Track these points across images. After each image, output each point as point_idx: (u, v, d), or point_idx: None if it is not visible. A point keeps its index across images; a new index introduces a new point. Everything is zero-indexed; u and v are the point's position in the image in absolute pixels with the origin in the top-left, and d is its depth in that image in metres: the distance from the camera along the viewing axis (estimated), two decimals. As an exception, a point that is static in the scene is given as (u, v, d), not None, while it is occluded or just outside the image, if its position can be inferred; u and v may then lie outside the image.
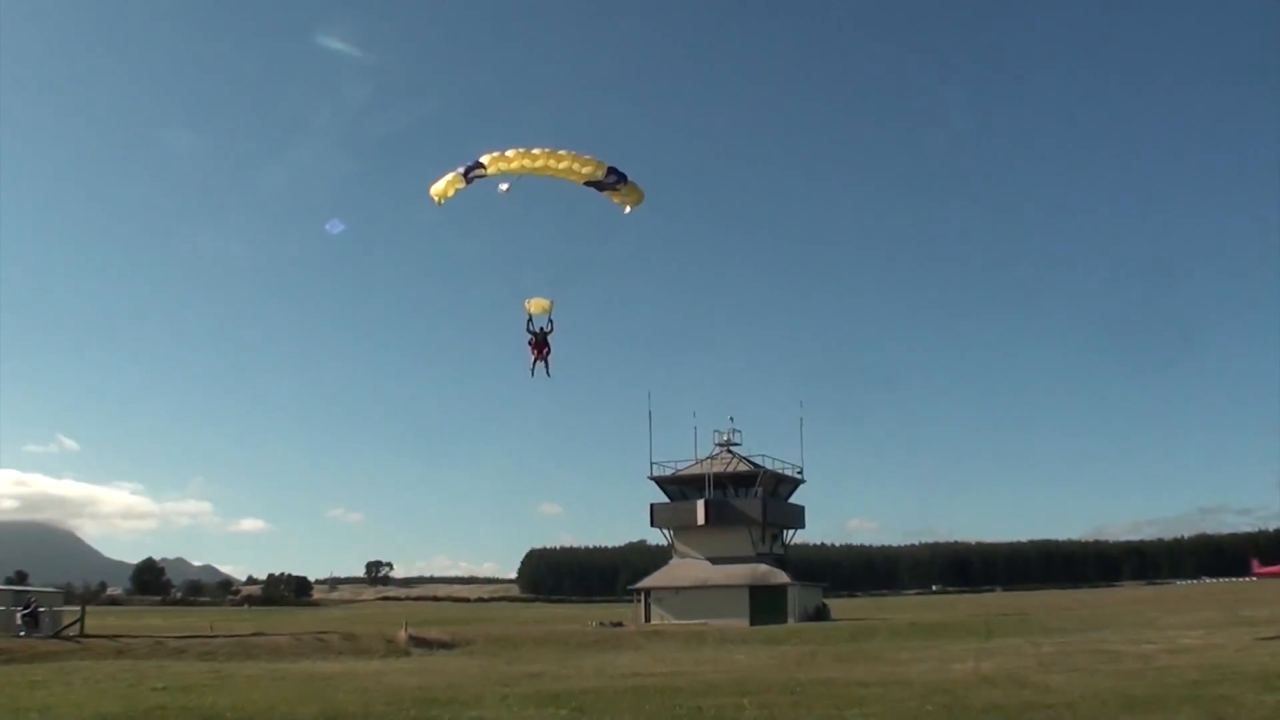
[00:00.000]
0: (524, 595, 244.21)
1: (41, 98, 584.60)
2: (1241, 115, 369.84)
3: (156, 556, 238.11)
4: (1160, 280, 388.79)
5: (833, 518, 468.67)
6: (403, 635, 45.93)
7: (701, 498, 73.28)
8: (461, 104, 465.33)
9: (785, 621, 64.47)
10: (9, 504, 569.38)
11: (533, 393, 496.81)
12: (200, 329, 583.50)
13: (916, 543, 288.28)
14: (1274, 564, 51.21)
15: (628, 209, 25.21)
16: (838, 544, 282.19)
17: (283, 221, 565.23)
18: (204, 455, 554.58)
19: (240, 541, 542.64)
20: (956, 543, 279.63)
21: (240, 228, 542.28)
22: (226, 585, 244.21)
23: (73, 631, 42.19)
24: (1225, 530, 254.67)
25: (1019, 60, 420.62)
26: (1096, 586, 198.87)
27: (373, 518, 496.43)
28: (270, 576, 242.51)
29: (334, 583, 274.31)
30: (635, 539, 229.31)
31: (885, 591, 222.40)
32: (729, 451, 76.31)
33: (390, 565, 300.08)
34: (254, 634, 47.45)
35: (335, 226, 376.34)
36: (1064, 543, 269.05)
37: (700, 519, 72.68)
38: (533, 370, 25.08)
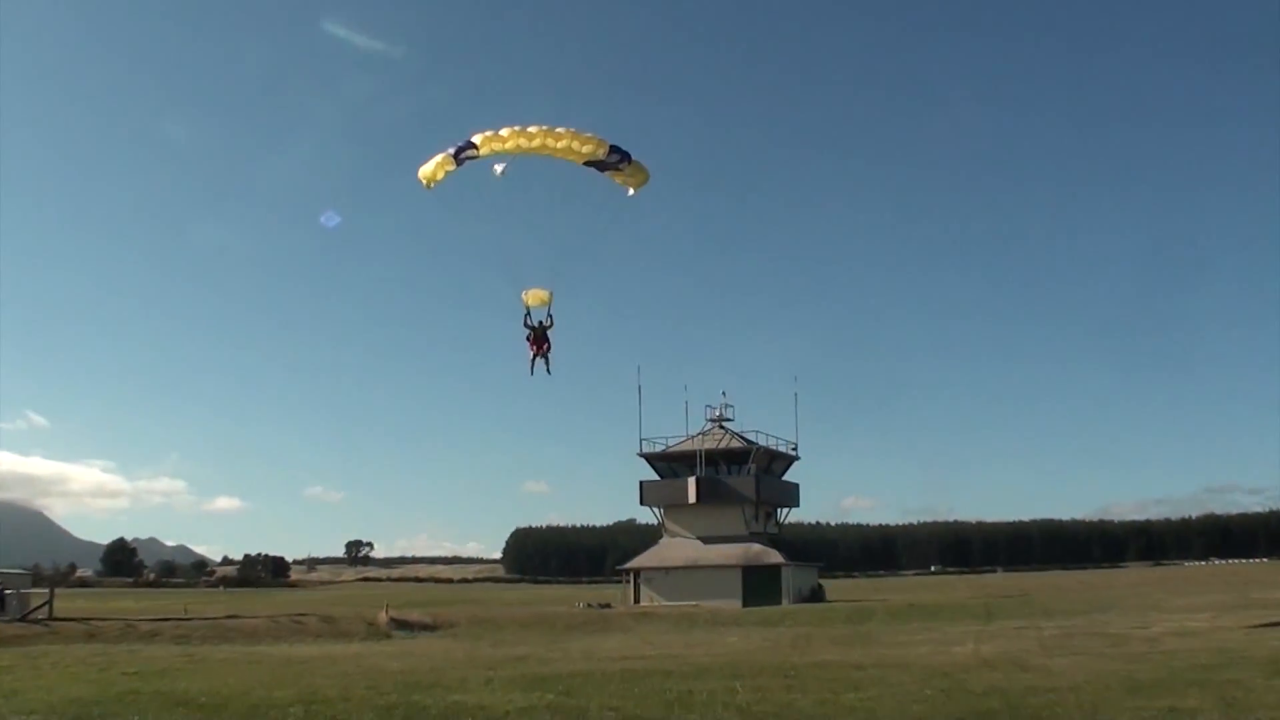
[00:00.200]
0: (509, 576, 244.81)
1: (39, 86, 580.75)
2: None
3: (128, 536, 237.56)
4: (1172, 251, 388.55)
5: (828, 496, 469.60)
6: (384, 617, 46.05)
7: (693, 475, 73.42)
8: (469, 92, 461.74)
9: (779, 603, 64.75)
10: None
11: (517, 366, 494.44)
12: (173, 302, 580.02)
13: (915, 522, 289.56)
14: None
15: (631, 190, 24.66)
16: (833, 523, 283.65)
17: (272, 209, 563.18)
18: (178, 432, 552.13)
19: (215, 521, 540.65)
20: (956, 522, 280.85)
21: (232, 215, 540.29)
22: (201, 566, 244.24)
23: (41, 615, 42.20)
24: (1235, 510, 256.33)
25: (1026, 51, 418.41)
26: (1101, 568, 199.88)
27: (352, 496, 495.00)
28: (246, 557, 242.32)
29: (312, 563, 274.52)
30: (624, 518, 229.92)
31: (882, 572, 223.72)
32: (721, 427, 76.42)
33: (370, 545, 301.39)
34: (229, 616, 47.52)
35: (330, 219, 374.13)
36: (1068, 522, 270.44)
37: (691, 497, 72.85)
38: (532, 368, 24.53)
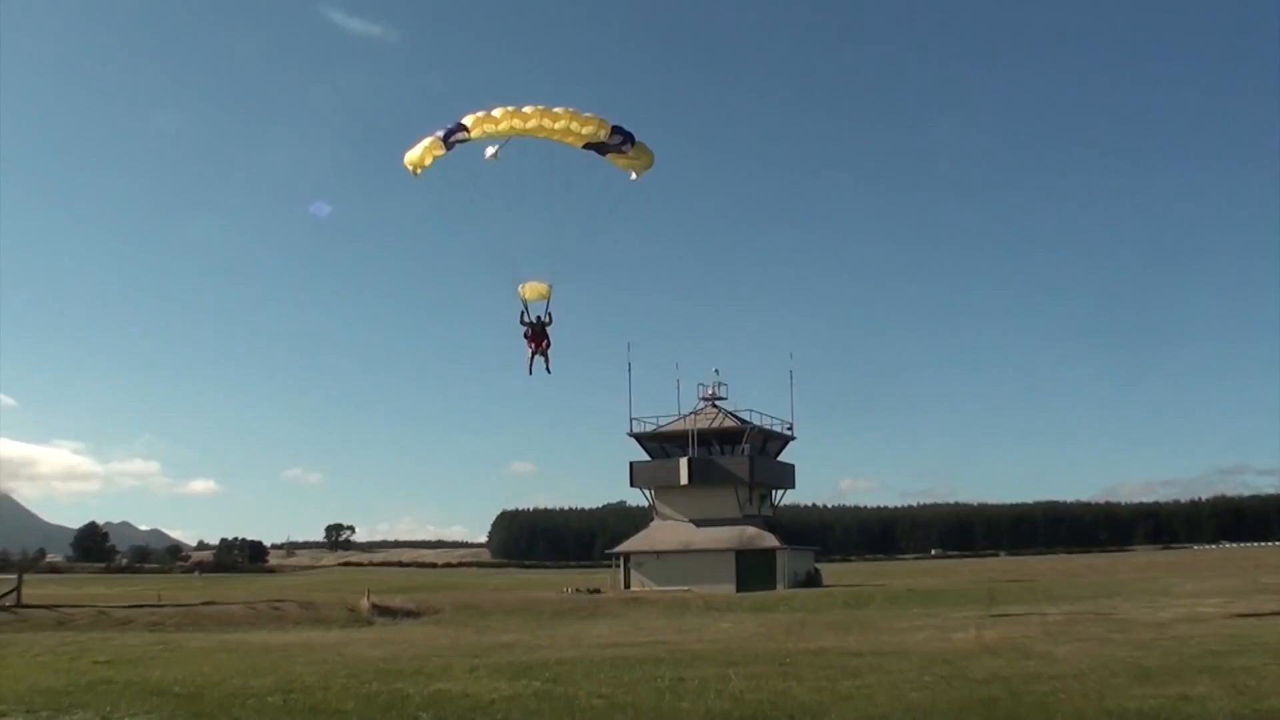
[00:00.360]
0: (495, 560, 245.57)
1: (26, 72, 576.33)
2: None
3: (100, 520, 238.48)
4: (1179, 228, 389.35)
5: (825, 477, 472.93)
6: (365, 603, 46.15)
7: (685, 455, 73.40)
8: (468, 78, 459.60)
9: (774, 588, 64.90)
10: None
11: (503, 343, 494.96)
12: (146, 281, 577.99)
13: (915, 504, 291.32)
14: None
15: (634, 175, 24.10)
16: (830, 505, 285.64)
17: (259, 196, 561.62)
18: (151, 411, 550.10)
19: (190, 504, 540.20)
20: (958, 504, 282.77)
21: (216, 201, 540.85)
22: (175, 551, 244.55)
23: (9, 602, 42.14)
24: (1246, 492, 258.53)
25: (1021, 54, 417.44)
26: (1107, 551, 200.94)
27: (332, 478, 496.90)
28: (222, 541, 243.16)
29: (291, 547, 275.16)
30: (614, 500, 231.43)
31: (881, 556, 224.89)
32: (714, 406, 76.37)
33: (351, 529, 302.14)
34: (205, 603, 47.59)
35: (320, 209, 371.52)
36: (1073, 504, 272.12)
37: (683, 478, 72.87)
38: (530, 367, 23.99)
